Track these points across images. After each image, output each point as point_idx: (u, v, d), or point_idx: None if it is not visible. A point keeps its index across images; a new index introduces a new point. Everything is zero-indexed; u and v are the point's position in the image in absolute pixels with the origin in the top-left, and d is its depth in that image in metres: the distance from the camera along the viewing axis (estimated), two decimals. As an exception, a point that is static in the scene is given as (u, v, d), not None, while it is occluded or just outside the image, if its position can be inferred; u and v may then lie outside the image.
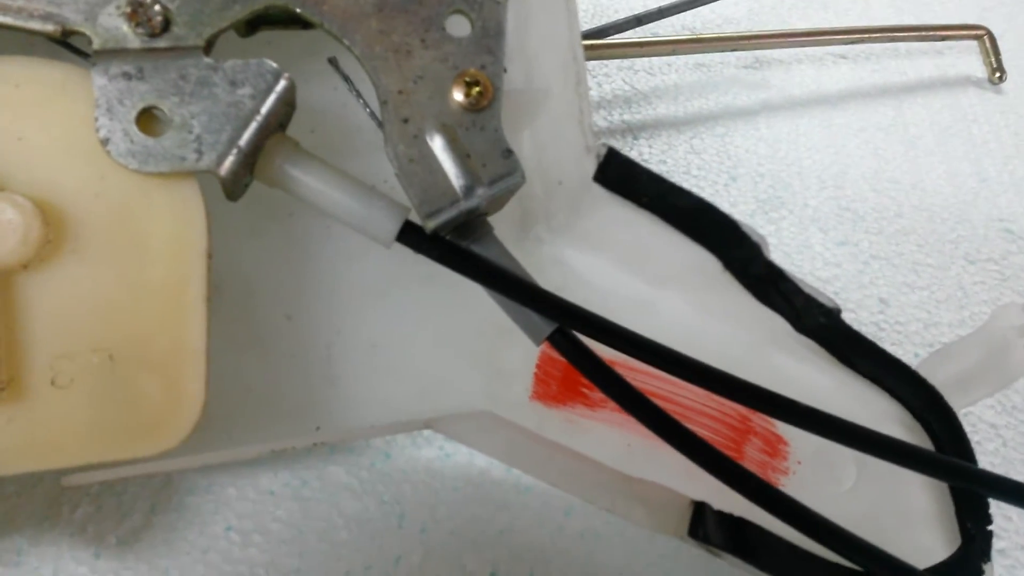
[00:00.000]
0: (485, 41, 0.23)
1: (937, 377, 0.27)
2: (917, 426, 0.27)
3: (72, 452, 0.21)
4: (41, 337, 0.20)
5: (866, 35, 0.47)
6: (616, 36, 0.42)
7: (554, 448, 0.25)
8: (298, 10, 0.22)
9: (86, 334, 0.21)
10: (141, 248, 0.21)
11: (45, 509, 0.26)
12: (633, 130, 0.42)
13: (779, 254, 0.38)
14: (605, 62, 0.45)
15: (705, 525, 0.24)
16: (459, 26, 0.23)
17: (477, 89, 0.22)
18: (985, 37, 0.50)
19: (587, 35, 0.41)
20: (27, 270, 0.20)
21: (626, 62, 0.45)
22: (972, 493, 0.26)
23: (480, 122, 0.22)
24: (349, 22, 0.22)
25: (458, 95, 0.22)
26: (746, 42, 0.44)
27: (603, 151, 0.24)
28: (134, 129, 0.21)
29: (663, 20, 0.45)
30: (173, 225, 0.21)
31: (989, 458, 0.33)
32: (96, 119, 0.20)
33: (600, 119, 0.42)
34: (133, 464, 0.22)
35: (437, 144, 0.22)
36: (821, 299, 0.25)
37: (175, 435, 0.21)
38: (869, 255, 0.39)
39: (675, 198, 0.24)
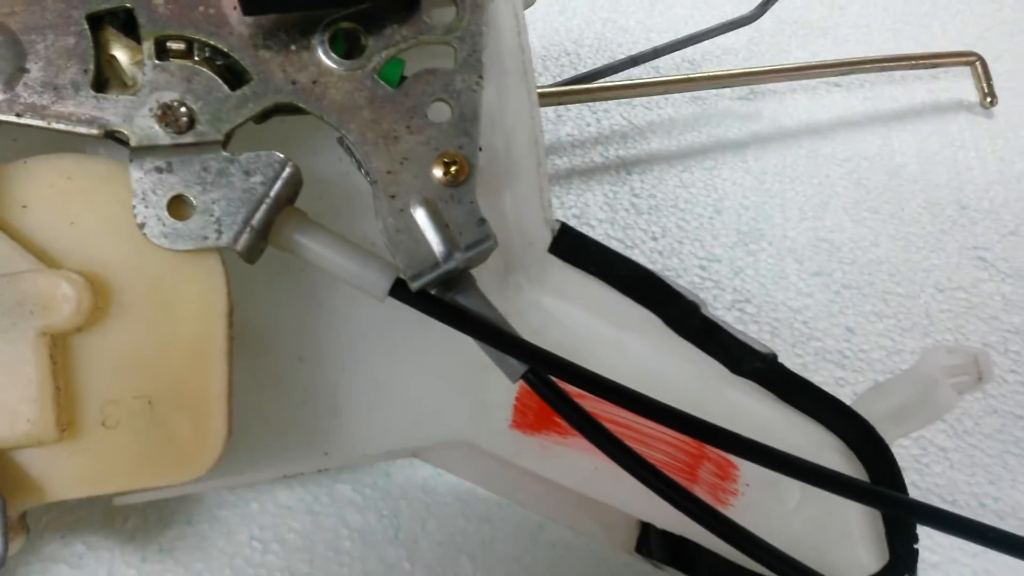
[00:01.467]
0: (462, 125, 0.26)
1: (873, 411, 0.30)
2: (853, 456, 0.30)
3: (119, 480, 0.25)
4: (93, 386, 0.24)
5: (857, 66, 0.49)
6: (613, 77, 0.45)
7: (524, 474, 0.29)
8: (301, 105, 0.26)
9: (129, 383, 0.25)
10: (172, 312, 0.25)
11: (101, 521, 0.31)
12: (627, 165, 0.45)
13: (754, 285, 0.41)
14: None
15: (649, 542, 0.28)
16: (440, 113, 0.26)
17: (455, 167, 0.26)
18: (977, 63, 0.52)
19: (582, 78, 0.45)
20: (80, 332, 0.24)
21: (625, 98, 0.48)
22: (899, 517, 0.29)
23: (458, 196, 0.26)
24: (345, 113, 0.26)
25: (438, 172, 0.26)
26: (737, 79, 0.46)
27: (556, 226, 0.28)
28: (165, 215, 0.24)
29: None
30: (198, 292, 0.25)
31: (935, 479, 0.35)
32: (134, 206, 0.24)
33: (597, 155, 0.45)
34: (170, 488, 0.27)
35: (420, 216, 0.25)
36: (756, 347, 0.28)
37: (203, 465, 0.25)
38: (841, 285, 0.42)
39: (618, 267, 0.27)
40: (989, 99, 0.52)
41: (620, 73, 0.46)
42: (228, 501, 0.32)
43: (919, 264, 0.43)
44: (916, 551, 0.29)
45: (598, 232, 0.41)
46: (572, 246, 0.28)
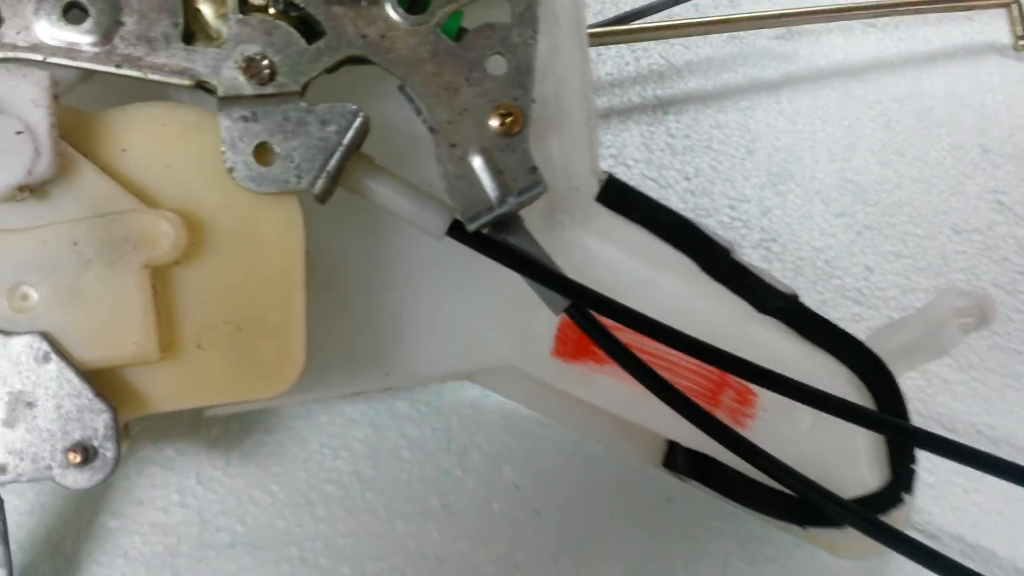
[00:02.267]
0: (518, 78, 0.28)
1: (885, 347, 0.33)
2: (863, 386, 0.33)
3: (211, 395, 0.28)
4: (190, 313, 0.27)
5: (894, 8, 0.49)
6: (653, 17, 0.46)
7: (564, 396, 0.32)
8: (371, 58, 0.28)
9: (221, 311, 0.27)
10: (258, 248, 0.27)
11: (189, 430, 0.35)
12: (664, 105, 0.47)
13: (781, 225, 0.43)
14: (641, 40, 0.49)
15: (675, 458, 0.31)
16: (497, 66, 0.28)
17: (510, 119, 0.28)
18: (1013, 5, 0.52)
19: (623, 18, 0.46)
20: (178, 265, 0.27)
21: (663, 36, 0.49)
22: (900, 441, 0.32)
23: (512, 145, 0.28)
24: (411, 67, 0.27)
25: (494, 123, 0.27)
26: (775, 20, 0.47)
27: (604, 177, 0.30)
28: (252, 160, 0.26)
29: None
30: (280, 231, 0.28)
31: (937, 408, 0.38)
32: (223, 152, 0.26)
33: (635, 95, 0.47)
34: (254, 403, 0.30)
35: (477, 163, 0.27)
36: (780, 287, 0.31)
37: (285, 383, 0.28)
38: (863, 225, 0.44)
39: (659, 215, 0.30)
40: (1022, 42, 0.52)
41: (660, 12, 0.47)
42: (300, 413, 0.35)
43: (939, 206, 0.45)
44: (914, 472, 0.32)
45: (634, 172, 0.43)
46: (617, 196, 0.30)
